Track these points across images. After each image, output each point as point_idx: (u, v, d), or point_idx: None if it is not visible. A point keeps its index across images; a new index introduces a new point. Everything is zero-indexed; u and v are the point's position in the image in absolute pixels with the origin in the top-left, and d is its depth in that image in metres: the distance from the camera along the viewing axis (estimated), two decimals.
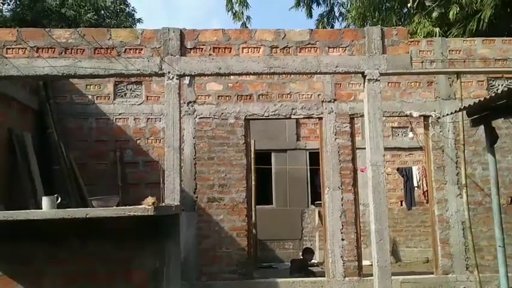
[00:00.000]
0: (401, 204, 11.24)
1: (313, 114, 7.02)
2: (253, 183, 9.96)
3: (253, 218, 10.43)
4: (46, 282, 4.25)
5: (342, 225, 6.78)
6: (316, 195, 12.05)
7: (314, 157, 12.02)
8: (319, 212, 11.50)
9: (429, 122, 7.06)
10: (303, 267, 7.88)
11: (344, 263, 6.70)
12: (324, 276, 6.84)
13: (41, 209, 4.17)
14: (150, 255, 4.35)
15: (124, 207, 4.03)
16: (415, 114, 6.99)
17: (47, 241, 4.30)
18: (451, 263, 6.77)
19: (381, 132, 4.62)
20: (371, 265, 8.44)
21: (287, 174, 11.73)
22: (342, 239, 6.75)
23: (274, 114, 6.93)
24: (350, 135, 7.05)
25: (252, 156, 9.78)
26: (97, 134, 6.89)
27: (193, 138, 6.94)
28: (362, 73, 4.61)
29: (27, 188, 5.42)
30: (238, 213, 6.78)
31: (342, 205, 6.83)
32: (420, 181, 10.30)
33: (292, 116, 7.00)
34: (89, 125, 6.89)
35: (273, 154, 11.90)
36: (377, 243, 4.42)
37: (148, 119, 6.99)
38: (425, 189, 10.18)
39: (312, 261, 8.66)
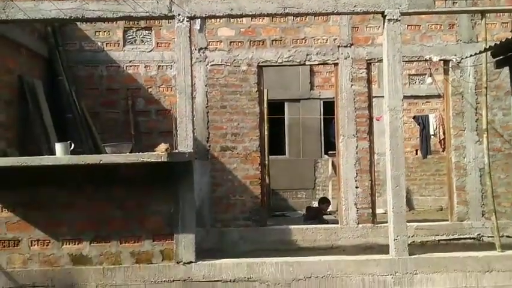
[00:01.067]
0: (416, 153, 11.16)
1: (328, 60, 6.81)
2: (266, 132, 9.93)
3: (266, 168, 10.48)
4: (63, 228, 4.31)
5: (357, 173, 6.74)
6: (329, 145, 12.01)
7: (328, 106, 11.86)
8: (332, 162, 11.49)
9: (450, 66, 6.82)
10: (317, 215, 7.94)
11: (357, 211, 6.72)
12: (338, 224, 6.88)
13: (55, 155, 4.18)
14: (164, 201, 4.37)
15: (137, 153, 4.01)
16: (435, 58, 6.73)
17: (62, 188, 4.34)
18: (466, 210, 6.75)
19: (400, 75, 4.45)
20: (385, 213, 8.48)
21: (300, 124, 11.64)
22: (356, 187, 6.73)
23: (288, 61, 6.74)
24: (367, 81, 6.86)
25: (265, 105, 9.67)
26: (108, 82, 6.81)
27: (205, 86, 6.82)
28: (382, 13, 4.37)
29: (40, 135, 5.42)
30: (252, 162, 6.77)
31: (356, 153, 6.76)
32: (437, 129, 10.14)
33: (307, 62, 6.81)
34: (99, 72, 6.79)
35: (286, 104, 11.76)
36: (393, 189, 4.37)
37: (159, 66, 6.85)
38: (441, 138, 10.04)
39: (327, 210, 8.73)
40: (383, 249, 6.62)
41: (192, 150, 4.39)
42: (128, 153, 4.03)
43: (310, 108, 11.65)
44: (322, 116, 11.69)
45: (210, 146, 6.76)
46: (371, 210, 6.75)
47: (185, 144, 4.43)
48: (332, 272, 4.31)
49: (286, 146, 11.82)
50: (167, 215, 4.36)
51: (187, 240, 4.37)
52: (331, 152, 11.71)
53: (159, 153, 3.95)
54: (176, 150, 4.29)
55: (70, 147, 4.33)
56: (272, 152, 11.19)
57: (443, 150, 10.47)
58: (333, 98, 11.85)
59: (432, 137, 10.24)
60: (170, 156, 3.96)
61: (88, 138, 6.33)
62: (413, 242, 6.67)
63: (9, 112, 5.22)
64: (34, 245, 4.31)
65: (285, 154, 11.92)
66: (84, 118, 6.47)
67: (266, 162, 10.39)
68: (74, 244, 4.34)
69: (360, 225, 6.69)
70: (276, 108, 11.49)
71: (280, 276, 4.31)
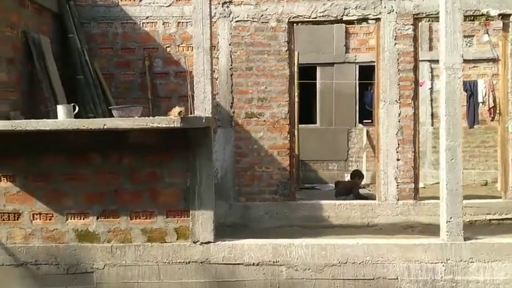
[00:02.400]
0: None
1: (369, 14, 6.05)
2: (296, 98, 9.26)
3: (296, 136, 9.88)
4: (67, 200, 3.90)
5: (398, 144, 6.06)
6: (364, 114, 11.26)
7: (364, 71, 11.06)
8: (367, 132, 10.79)
9: (510, 21, 5.95)
10: (350, 189, 7.33)
11: (397, 185, 6.09)
12: (375, 199, 6.28)
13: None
14: (180, 173, 3.88)
15: (146, 118, 3.49)
16: (493, 12, 5.87)
17: (66, 156, 3.90)
18: None
19: (460, 26, 3.73)
20: (424, 187, 7.80)
21: (333, 90, 10.89)
22: (398, 159, 6.08)
23: (323, 16, 6.01)
24: (413, 39, 6.09)
25: (296, 67, 8.98)
26: (123, 41, 6.27)
27: (229, 45, 6.20)
28: None
29: (47, 97, 4.98)
30: (280, 130, 6.18)
31: (399, 121, 6.06)
32: (486, 96, 9.26)
33: (345, 17, 6.06)
34: (114, 30, 6.26)
35: (318, 68, 11.01)
36: (448, 162, 3.72)
37: (179, 23, 6.26)
38: (491, 106, 9.18)
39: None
40: (426, 229, 6.02)
41: (210, 115, 3.85)
42: (136, 118, 3.51)
43: (344, 73, 10.86)
44: (357, 82, 10.90)
45: (234, 112, 6.20)
46: (413, 185, 6.10)
47: (202, 108, 3.89)
48: (371, 257, 3.76)
49: (318, 114, 11.13)
50: (182, 188, 3.88)
51: (205, 217, 3.88)
52: (366, 121, 10.99)
53: (171, 117, 3.42)
54: (192, 115, 3.75)
55: (74, 110, 3.86)
56: (302, 120, 10.54)
57: (492, 120, 9.60)
58: (370, 62, 11.10)
59: (480, 104, 9.37)
60: (184, 121, 3.42)
61: (102, 102, 5.87)
62: None
63: (12, 71, 4.77)
64: (36, 219, 3.93)
65: (315, 123, 11.26)
66: (97, 80, 6.00)
67: (295, 130, 9.79)
68: (80, 219, 3.93)
69: (400, 202, 6.06)
70: (307, 73, 10.76)
71: (310, 260, 3.79)
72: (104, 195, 3.92)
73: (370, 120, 11.09)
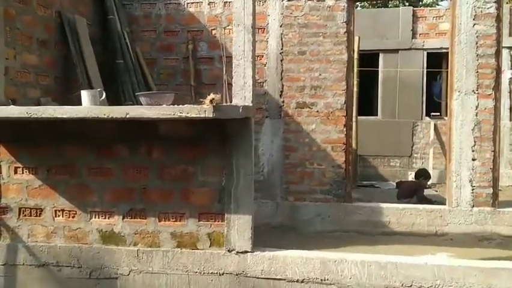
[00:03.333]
0: None
1: None
2: (355, 86, 8.54)
3: (354, 130, 9.15)
4: (92, 197, 3.54)
5: (475, 141, 5.24)
6: (432, 105, 10.29)
7: (433, 59, 10.07)
8: (435, 125, 9.84)
9: None
10: (415, 191, 6.53)
11: (472, 190, 5.28)
12: (445, 204, 5.50)
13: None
14: (215, 170, 3.40)
15: (174, 106, 3.02)
16: None
17: (91, 147, 3.54)
18: None
19: None
20: (500, 190, 6.83)
21: (397, 79, 10.00)
22: (473, 159, 5.26)
23: None
24: (496, 19, 5.22)
25: (355, 51, 8.24)
26: (166, 23, 5.88)
27: (280, 27, 5.63)
28: None
29: (81, 82, 4.68)
30: (335, 123, 5.55)
31: (476, 115, 5.24)
32: None
33: None
34: (157, 11, 5.89)
35: (381, 55, 10.16)
36: None
37: (225, 3, 5.77)
38: None
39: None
40: (507, 242, 5.19)
41: (250, 104, 3.32)
42: (163, 106, 3.06)
43: (410, 61, 9.93)
44: (425, 70, 9.94)
45: (283, 102, 5.64)
46: (491, 189, 5.26)
47: (242, 96, 3.37)
48: (442, 281, 3.09)
49: (379, 105, 10.29)
50: (217, 188, 3.39)
51: (242, 222, 3.39)
52: (434, 114, 10.03)
53: (203, 106, 2.93)
54: (228, 104, 3.25)
55: (101, 96, 3.47)
56: (361, 111, 9.78)
57: None
58: (440, 48, 10.11)
59: None
60: (218, 111, 2.92)
61: (143, 89, 5.53)
62: None
63: (44, 54, 4.50)
64: (59, 216, 3.61)
65: (376, 115, 10.43)
66: (138, 65, 5.66)
67: (353, 123, 9.06)
68: (105, 218, 3.56)
69: (475, 209, 5.26)
70: (368, 60, 9.96)
71: (367, 281, 3.19)
72: (131, 193, 3.53)
73: (438, 113, 10.12)
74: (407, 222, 5.40)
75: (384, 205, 5.55)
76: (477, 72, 5.23)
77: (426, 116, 10.05)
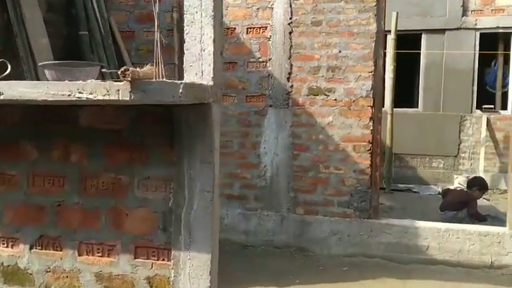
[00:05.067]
0: None
1: None
2: (391, 72, 7.23)
3: (389, 124, 7.85)
4: None
5: None
6: (485, 96, 8.80)
7: (487, 40, 8.57)
8: (488, 120, 8.37)
9: None
10: (465, 204, 5.20)
11: None
12: (505, 225, 4.19)
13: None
14: (158, 183, 2.27)
15: (74, 83, 1.92)
16: None
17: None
18: None
19: None
20: None
21: (443, 64, 8.58)
22: None
23: None
24: None
25: (393, 30, 6.90)
26: None
27: None
28: None
29: (23, 55, 3.67)
30: (358, 115, 4.33)
31: None
32: None
33: None
34: None
35: (424, 36, 8.75)
36: None
37: None
38: None
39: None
40: None
41: (209, 82, 2.18)
42: (57, 83, 1.96)
43: (459, 43, 8.47)
44: (477, 54, 8.46)
45: (292, 87, 4.46)
46: None
47: (197, 70, 2.23)
48: None
49: (420, 95, 8.90)
50: (161, 209, 2.27)
51: (197, 264, 2.24)
52: (486, 107, 8.55)
53: (115, 83, 1.81)
54: (161, 80, 2.11)
55: (5, 70, 2.42)
56: (398, 102, 8.45)
57: None
58: (496, 28, 8.61)
59: None
60: (138, 91, 1.79)
61: (111, 59, 4.50)
62: None
63: None
64: None
65: (417, 107, 9.05)
66: (112, 38, 4.62)
67: (388, 115, 7.75)
68: (6, 246, 2.51)
69: None
70: (409, 41, 8.58)
71: None
72: (41, 212, 2.45)
73: (492, 106, 8.62)
74: (453, 248, 4.14)
75: (421, 224, 4.29)
76: None
77: (477, 108, 8.58)
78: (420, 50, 8.74)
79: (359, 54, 4.29)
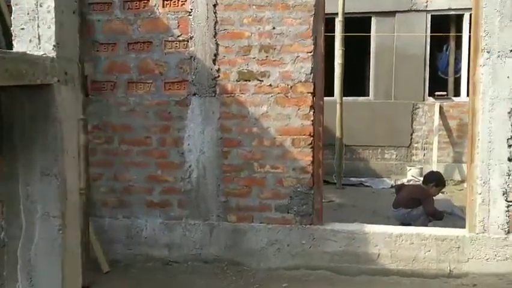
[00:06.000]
0: None
1: None
2: (339, 57, 6.65)
3: (338, 114, 7.32)
4: None
5: None
6: (437, 83, 8.43)
7: (438, 23, 8.19)
8: (440, 108, 8.01)
9: None
10: (419, 200, 4.68)
11: (508, 206, 3.48)
12: (464, 228, 3.69)
13: None
14: None
15: None
16: None
17: None
18: None
19: None
20: None
21: (394, 49, 8.12)
22: (511, 159, 3.45)
23: None
24: None
25: (340, 12, 6.31)
26: None
27: None
28: None
29: None
30: (297, 103, 3.70)
31: None
32: None
33: None
34: None
35: (373, 19, 8.25)
36: None
37: None
38: None
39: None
40: None
41: (50, 52, 1.45)
42: None
43: (410, 26, 8.03)
44: (429, 37, 8.05)
45: (219, 71, 3.77)
46: None
47: (32, 34, 1.50)
48: None
49: (371, 83, 8.42)
50: None
51: None
52: (439, 94, 8.17)
53: None
54: None
55: None
56: (348, 90, 7.94)
57: None
58: (448, 9, 8.16)
59: None
60: None
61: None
62: None
63: None
64: None
65: (367, 95, 8.58)
66: None
67: (338, 104, 7.22)
68: None
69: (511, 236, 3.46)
70: (357, 25, 8.06)
71: None
72: None
73: (445, 92, 8.27)
74: (406, 256, 3.60)
75: (371, 228, 3.72)
76: None
77: (429, 96, 8.20)
78: (370, 33, 8.24)
79: (296, 31, 3.64)
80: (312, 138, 3.69)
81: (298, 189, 3.72)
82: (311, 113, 3.68)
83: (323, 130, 3.79)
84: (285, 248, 3.73)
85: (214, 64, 3.77)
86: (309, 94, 3.67)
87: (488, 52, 3.45)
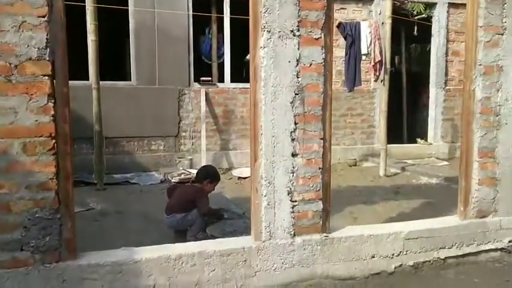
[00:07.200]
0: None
1: None
2: (92, 33, 5.51)
3: (95, 101, 6.20)
4: None
5: (296, 123, 3.07)
6: (203, 68, 8.09)
7: (199, 3, 7.80)
8: (206, 94, 7.69)
9: None
10: (194, 201, 4.05)
11: (293, 207, 3.13)
12: (249, 234, 3.21)
13: None
14: None
15: None
16: None
17: None
18: (494, 196, 3.68)
19: None
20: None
21: (156, 28, 7.38)
22: (294, 154, 3.09)
23: None
24: None
25: None
26: None
27: None
28: None
29: None
30: (26, 90, 2.55)
31: (297, 75, 3.05)
32: (371, 45, 6.95)
33: None
34: None
35: None
36: None
37: None
38: (377, 59, 6.93)
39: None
40: None
41: None
42: None
43: (171, 2, 7.41)
44: (191, 16, 7.56)
45: None
46: (320, 204, 3.20)
47: None
48: None
49: (132, 66, 7.51)
50: None
51: None
52: (204, 79, 7.84)
53: None
54: None
55: None
56: (106, 74, 6.88)
57: (376, 80, 7.44)
58: None
59: (364, 57, 7.04)
60: None
61: None
62: (399, 266, 3.45)
63: None
64: None
65: (129, 79, 7.66)
66: None
67: (95, 90, 6.07)
68: None
69: (298, 239, 3.14)
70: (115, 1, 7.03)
71: None
72: None
73: (210, 78, 7.98)
74: (188, 282, 2.91)
75: (142, 254, 2.89)
76: None
77: (195, 81, 7.79)
78: (127, 10, 7.28)
79: None
80: (54, 140, 2.62)
81: (37, 215, 2.62)
82: (50, 104, 2.60)
83: (71, 127, 2.75)
84: None
85: None
86: (46, 77, 2.58)
87: (268, 32, 2.98)
